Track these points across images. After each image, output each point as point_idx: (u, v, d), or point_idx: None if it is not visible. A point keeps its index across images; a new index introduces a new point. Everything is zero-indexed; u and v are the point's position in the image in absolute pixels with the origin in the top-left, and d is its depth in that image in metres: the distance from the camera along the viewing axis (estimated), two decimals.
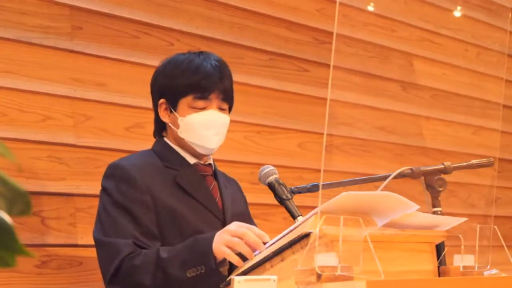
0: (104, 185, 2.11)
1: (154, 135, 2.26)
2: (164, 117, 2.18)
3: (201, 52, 2.21)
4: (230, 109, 2.22)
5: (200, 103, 2.13)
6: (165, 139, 2.22)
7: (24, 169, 2.40)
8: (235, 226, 1.86)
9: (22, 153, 2.40)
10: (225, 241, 1.82)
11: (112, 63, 2.71)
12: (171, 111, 2.17)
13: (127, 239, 1.98)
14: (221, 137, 2.17)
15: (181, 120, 2.14)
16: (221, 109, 2.16)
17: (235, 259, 1.80)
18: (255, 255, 1.76)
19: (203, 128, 2.13)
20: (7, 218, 0.81)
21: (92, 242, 2.17)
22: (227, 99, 2.18)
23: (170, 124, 2.18)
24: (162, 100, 2.18)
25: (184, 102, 2.14)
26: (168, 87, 2.16)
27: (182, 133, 2.14)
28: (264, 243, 1.81)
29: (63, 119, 2.54)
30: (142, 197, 2.04)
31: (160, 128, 2.23)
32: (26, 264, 2.34)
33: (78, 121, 2.57)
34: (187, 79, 2.13)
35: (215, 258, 1.84)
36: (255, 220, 2.37)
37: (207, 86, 2.12)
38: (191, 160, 2.18)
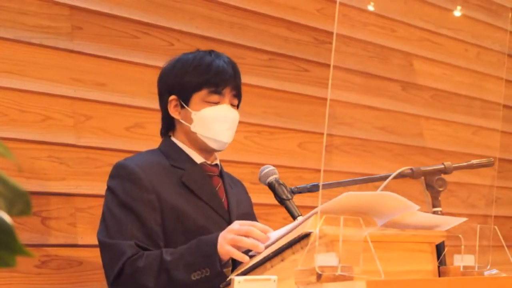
0: (110, 185, 2.11)
1: (161, 134, 2.25)
2: (175, 113, 2.18)
3: (211, 51, 2.23)
4: (237, 107, 2.23)
5: (215, 98, 2.14)
6: (172, 138, 2.21)
7: (24, 169, 2.40)
8: (237, 225, 1.85)
9: (22, 153, 2.40)
10: (229, 240, 1.82)
11: (112, 63, 2.71)
12: (182, 107, 2.16)
13: (130, 240, 1.98)
14: (232, 133, 2.19)
15: (194, 115, 2.14)
16: (232, 105, 2.18)
17: (240, 256, 1.79)
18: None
19: (217, 122, 2.13)
20: (7, 218, 0.81)
21: (92, 242, 2.17)
22: (238, 96, 2.20)
23: (181, 120, 2.17)
24: (172, 97, 2.18)
25: (198, 97, 2.14)
26: (180, 83, 2.16)
27: (195, 127, 2.15)
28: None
29: (63, 119, 2.54)
30: (147, 197, 2.04)
31: (168, 126, 2.22)
32: (26, 264, 2.34)
33: (78, 121, 2.57)
34: (201, 74, 2.14)
35: (220, 260, 1.83)
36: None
37: (221, 81, 2.14)
38: (198, 159, 2.18)
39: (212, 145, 2.16)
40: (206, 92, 2.14)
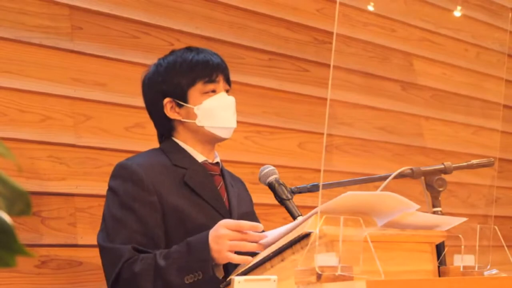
0: (111, 185, 2.11)
1: (160, 140, 2.24)
2: (173, 114, 2.17)
3: (188, 47, 2.23)
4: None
5: (211, 86, 2.15)
6: (174, 138, 2.20)
7: (24, 169, 2.40)
8: (226, 230, 1.84)
9: (22, 153, 2.40)
10: (228, 247, 1.82)
11: (112, 63, 2.71)
12: (180, 106, 2.16)
13: (130, 242, 1.98)
14: (236, 118, 2.20)
15: (197, 109, 2.14)
16: (226, 91, 2.19)
17: (243, 259, 1.81)
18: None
19: (223, 110, 2.15)
20: (7, 218, 0.81)
21: (92, 242, 2.17)
22: (229, 81, 2.21)
23: (183, 119, 2.16)
24: (167, 100, 2.17)
25: (195, 91, 2.15)
26: (171, 84, 2.16)
27: (201, 121, 2.14)
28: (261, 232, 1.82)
29: (63, 119, 2.54)
30: (149, 198, 2.03)
31: (167, 130, 2.21)
32: (26, 264, 2.34)
33: (78, 121, 2.57)
34: (190, 69, 2.15)
35: (213, 264, 1.84)
36: None
37: (212, 69, 2.16)
38: (200, 158, 2.18)
39: (221, 134, 2.16)
40: (201, 84, 2.14)
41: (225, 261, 1.84)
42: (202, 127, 2.14)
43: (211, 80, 2.15)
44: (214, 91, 2.16)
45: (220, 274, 1.87)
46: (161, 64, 2.21)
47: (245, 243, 1.81)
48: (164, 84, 2.17)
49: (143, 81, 2.25)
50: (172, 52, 2.24)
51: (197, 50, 2.20)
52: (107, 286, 2.02)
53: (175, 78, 2.16)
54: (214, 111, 2.14)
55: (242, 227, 1.84)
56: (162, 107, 2.18)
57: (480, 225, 1.75)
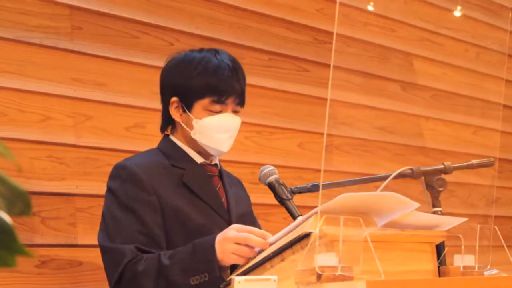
0: (110, 186, 2.10)
1: (161, 130, 2.24)
2: (175, 115, 2.16)
3: (216, 51, 2.17)
4: (242, 106, 2.20)
5: (217, 107, 2.11)
6: (172, 137, 2.20)
7: (24, 169, 2.40)
8: (235, 233, 1.85)
9: (22, 153, 2.40)
10: (233, 250, 1.82)
11: (112, 63, 2.71)
12: (184, 111, 2.15)
13: (131, 242, 1.97)
14: (233, 140, 2.17)
15: (195, 122, 2.11)
16: (234, 112, 2.15)
17: (244, 261, 1.81)
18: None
19: (218, 132, 2.11)
20: (7, 218, 0.81)
21: (92, 242, 2.17)
22: (242, 103, 2.17)
23: (182, 124, 2.16)
24: (174, 99, 2.15)
25: (200, 104, 2.11)
26: (184, 87, 2.13)
27: (195, 134, 2.12)
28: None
29: (63, 119, 2.54)
30: (148, 199, 2.03)
31: (168, 123, 2.21)
32: (26, 264, 2.34)
33: (78, 121, 2.57)
34: (205, 82, 2.10)
35: (219, 266, 1.84)
36: None
37: (225, 90, 2.10)
38: (198, 159, 2.18)
39: (212, 152, 2.16)
40: (208, 101, 2.10)
41: (229, 263, 1.84)
42: (195, 140, 2.14)
43: (220, 101, 2.11)
44: (219, 112, 2.12)
45: (227, 277, 1.86)
46: (185, 60, 2.16)
47: (247, 250, 1.81)
48: (177, 83, 2.14)
49: (164, 67, 2.22)
50: (202, 50, 2.19)
51: (222, 59, 2.14)
52: (109, 286, 2.02)
53: (188, 82, 2.12)
54: (209, 131, 2.11)
55: (253, 232, 1.83)
56: (168, 103, 2.17)
57: (480, 225, 1.75)
